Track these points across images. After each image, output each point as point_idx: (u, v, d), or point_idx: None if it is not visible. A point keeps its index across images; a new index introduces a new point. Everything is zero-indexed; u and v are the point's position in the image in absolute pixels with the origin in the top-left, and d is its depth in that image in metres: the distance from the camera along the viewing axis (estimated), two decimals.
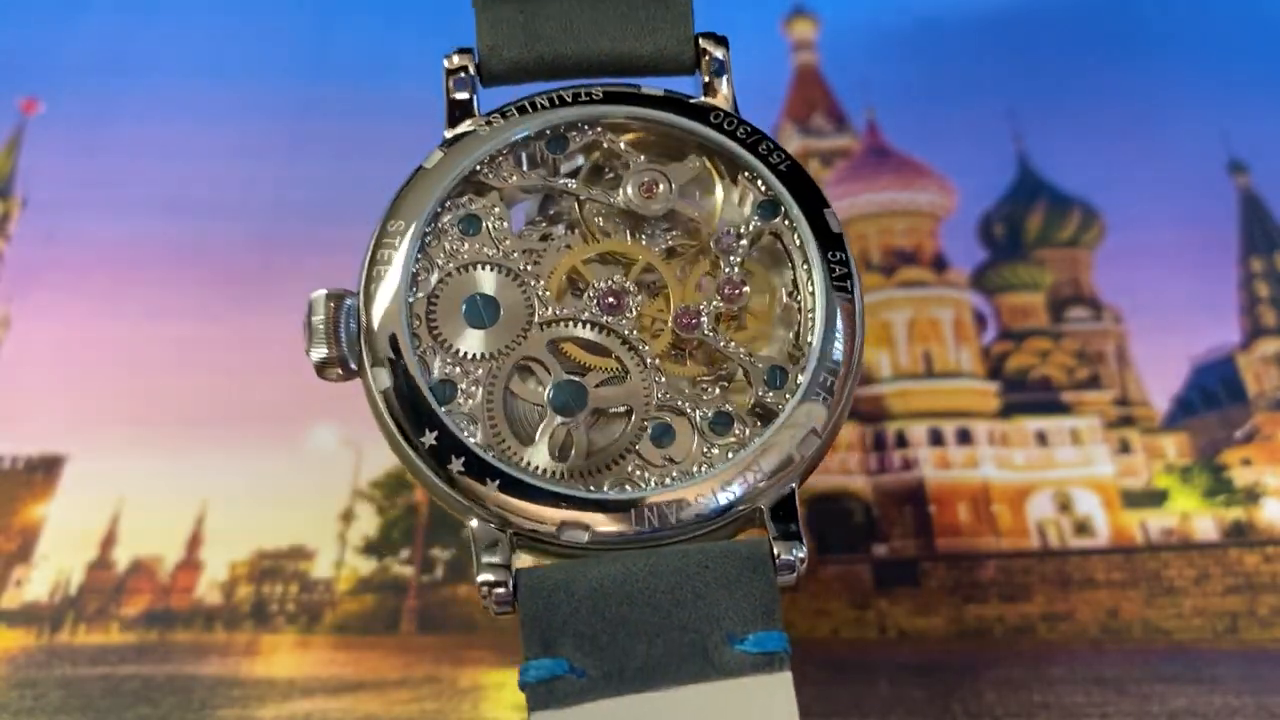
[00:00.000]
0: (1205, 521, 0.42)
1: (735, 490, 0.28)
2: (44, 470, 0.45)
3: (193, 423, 0.45)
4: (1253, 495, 0.42)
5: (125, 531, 0.43)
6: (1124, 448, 0.44)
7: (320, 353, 0.29)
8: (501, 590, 0.27)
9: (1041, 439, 0.44)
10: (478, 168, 0.31)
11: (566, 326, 0.30)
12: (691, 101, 0.32)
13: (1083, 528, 0.42)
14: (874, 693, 0.38)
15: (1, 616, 0.42)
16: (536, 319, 0.30)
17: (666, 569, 0.27)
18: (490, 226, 0.31)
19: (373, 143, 0.52)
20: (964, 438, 0.44)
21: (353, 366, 0.29)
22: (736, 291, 0.30)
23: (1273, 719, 0.36)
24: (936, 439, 0.44)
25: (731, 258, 0.31)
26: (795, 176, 0.31)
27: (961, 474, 0.43)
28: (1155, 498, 0.42)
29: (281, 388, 0.46)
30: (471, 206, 0.31)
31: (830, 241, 0.30)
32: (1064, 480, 0.43)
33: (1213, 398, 0.45)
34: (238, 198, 0.51)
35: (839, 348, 0.29)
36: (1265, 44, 0.52)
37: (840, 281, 0.30)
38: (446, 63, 0.32)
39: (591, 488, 0.29)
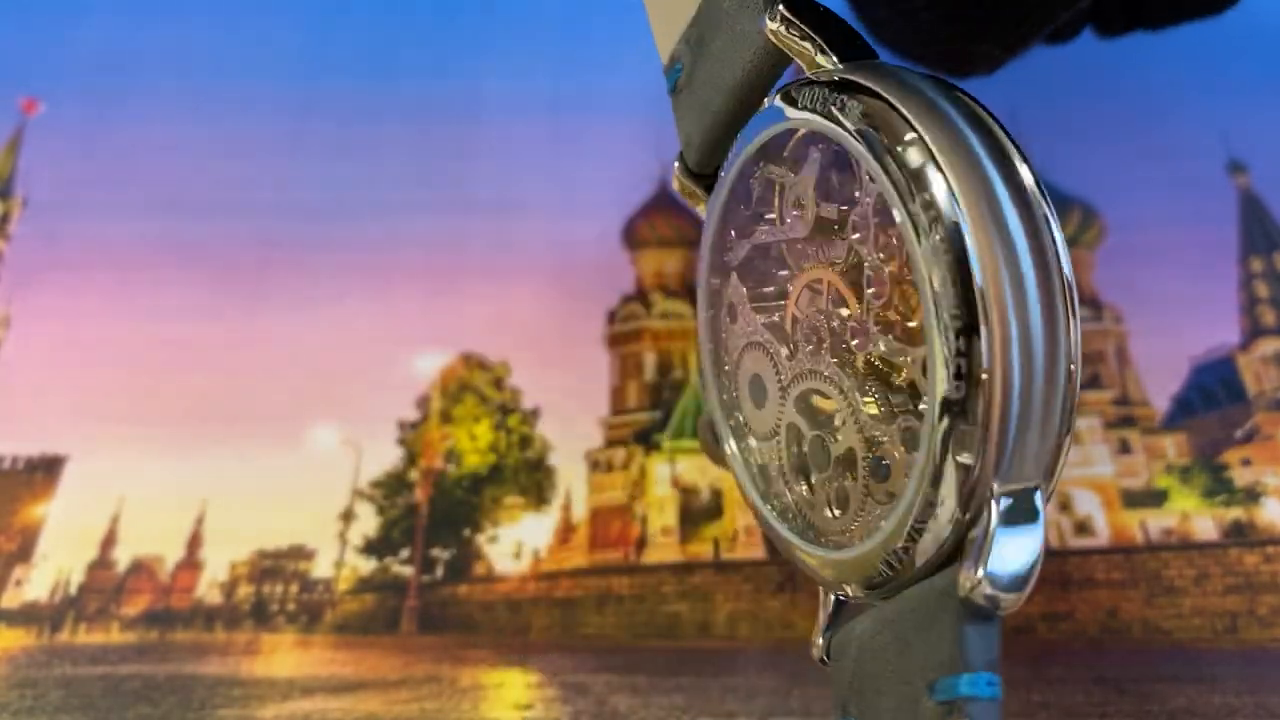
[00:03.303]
0: (1205, 521, 0.41)
1: (931, 512, 0.23)
2: (44, 470, 0.45)
3: (193, 423, 0.45)
4: (1252, 495, 0.42)
5: (125, 531, 0.43)
6: (1124, 448, 0.44)
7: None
8: (821, 657, 0.27)
9: None
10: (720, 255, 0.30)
11: (798, 383, 0.28)
12: (780, 90, 0.26)
13: (1082, 527, 0.42)
14: None
15: (2, 616, 0.42)
16: (781, 383, 0.28)
17: (888, 618, 0.25)
18: (740, 308, 0.30)
19: (373, 143, 0.52)
20: None
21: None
22: (880, 279, 0.24)
23: (1272, 718, 0.36)
24: None
25: (863, 245, 0.24)
26: (873, 119, 0.23)
27: None
28: (1155, 497, 0.42)
29: (281, 388, 0.46)
30: (726, 295, 0.30)
31: (907, 184, 0.22)
32: (1064, 480, 0.43)
33: (1212, 397, 0.44)
34: (238, 198, 0.51)
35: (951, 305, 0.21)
36: (1265, 44, 0.52)
37: (929, 228, 0.21)
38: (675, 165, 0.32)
39: (835, 543, 0.26)
